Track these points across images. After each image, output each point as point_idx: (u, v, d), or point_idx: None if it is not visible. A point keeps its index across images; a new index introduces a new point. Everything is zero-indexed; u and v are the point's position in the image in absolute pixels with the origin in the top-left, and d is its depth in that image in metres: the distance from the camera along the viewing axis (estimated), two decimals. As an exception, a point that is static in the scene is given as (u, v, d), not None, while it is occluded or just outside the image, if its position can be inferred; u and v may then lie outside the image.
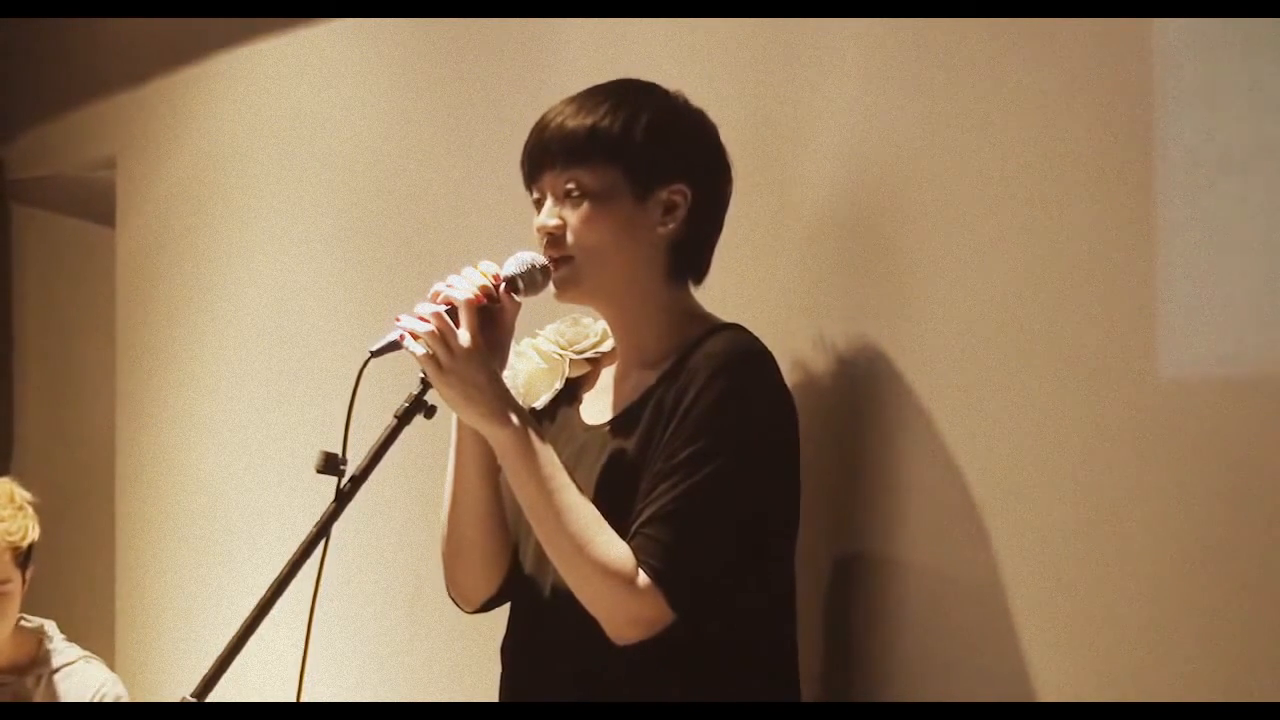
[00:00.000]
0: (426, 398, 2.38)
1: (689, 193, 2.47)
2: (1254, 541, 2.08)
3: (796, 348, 2.57)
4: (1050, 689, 2.31)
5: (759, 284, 2.71)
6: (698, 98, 2.57)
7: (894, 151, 2.54)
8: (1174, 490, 2.16)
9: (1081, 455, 2.27)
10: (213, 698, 2.26)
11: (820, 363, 2.60)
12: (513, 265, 2.44)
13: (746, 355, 2.42)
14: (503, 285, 2.42)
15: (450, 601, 2.62)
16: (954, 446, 2.43)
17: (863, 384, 2.56)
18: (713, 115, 2.57)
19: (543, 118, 2.48)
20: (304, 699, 2.50)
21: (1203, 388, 2.14)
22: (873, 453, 2.55)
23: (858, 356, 2.58)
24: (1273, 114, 2.07)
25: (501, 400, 2.38)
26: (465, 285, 2.40)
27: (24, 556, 3.63)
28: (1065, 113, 2.29)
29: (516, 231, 2.62)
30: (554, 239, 2.44)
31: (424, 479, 3.17)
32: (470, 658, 3.27)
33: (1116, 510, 2.23)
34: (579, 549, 2.36)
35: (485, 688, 2.63)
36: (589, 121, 2.44)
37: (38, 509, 3.71)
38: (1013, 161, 2.36)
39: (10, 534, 3.58)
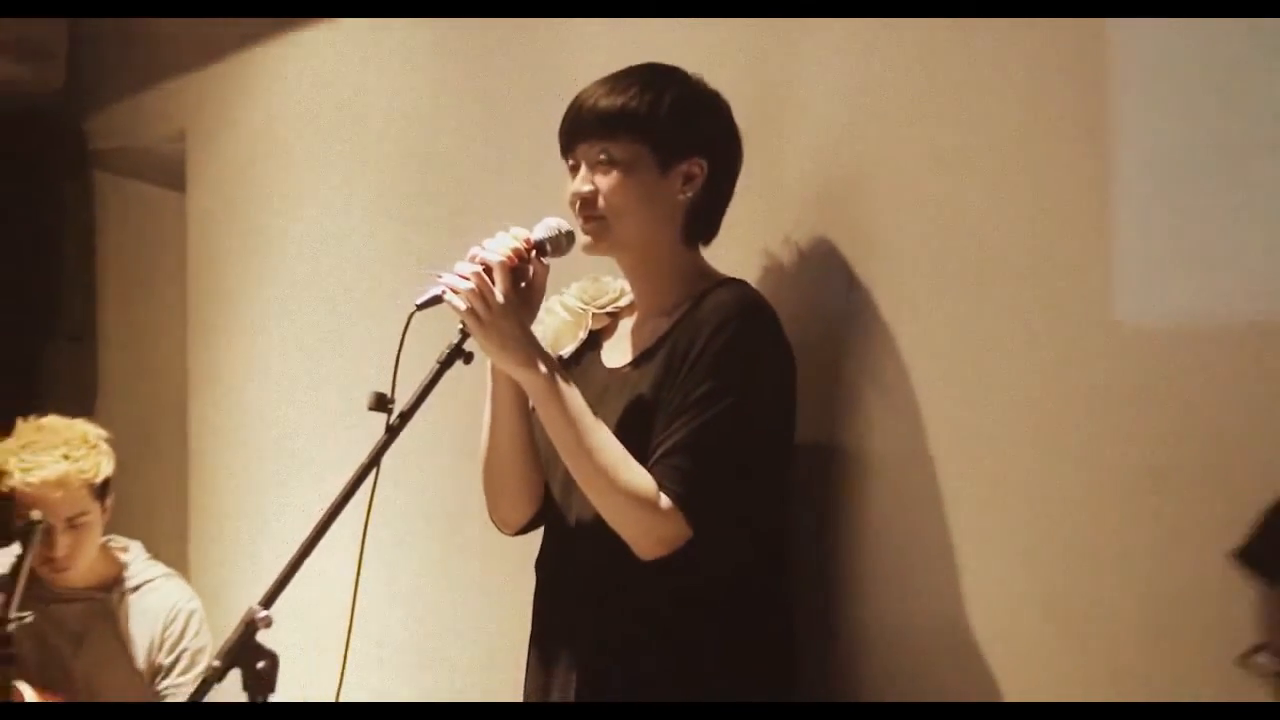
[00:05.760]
0: (465, 346, 2.48)
1: (706, 165, 2.59)
2: (1204, 487, 2.13)
3: (781, 308, 2.62)
4: (1002, 625, 2.39)
5: (754, 251, 2.79)
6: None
7: (878, 124, 2.63)
8: (1131, 435, 2.22)
9: (1040, 404, 2.34)
10: (272, 611, 2.31)
11: (801, 314, 2.66)
12: (541, 230, 2.56)
13: (752, 306, 2.53)
14: (533, 250, 2.54)
15: (485, 535, 2.75)
16: (914, 396, 2.53)
17: (836, 330, 2.65)
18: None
19: (578, 96, 2.59)
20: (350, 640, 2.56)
21: (1160, 337, 2.18)
22: (839, 400, 2.65)
23: (832, 302, 2.67)
24: (1225, 69, 2.13)
25: (533, 350, 2.49)
26: (499, 248, 2.51)
27: (99, 489, 3.76)
28: (1027, 80, 2.38)
29: (544, 200, 2.75)
30: (586, 202, 2.56)
31: (451, 439, 3.26)
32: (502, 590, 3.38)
33: (1075, 455, 2.29)
34: (610, 480, 2.45)
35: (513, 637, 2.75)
36: (619, 101, 2.55)
37: (115, 444, 3.82)
38: (983, 128, 2.45)
39: (84, 471, 3.72)
